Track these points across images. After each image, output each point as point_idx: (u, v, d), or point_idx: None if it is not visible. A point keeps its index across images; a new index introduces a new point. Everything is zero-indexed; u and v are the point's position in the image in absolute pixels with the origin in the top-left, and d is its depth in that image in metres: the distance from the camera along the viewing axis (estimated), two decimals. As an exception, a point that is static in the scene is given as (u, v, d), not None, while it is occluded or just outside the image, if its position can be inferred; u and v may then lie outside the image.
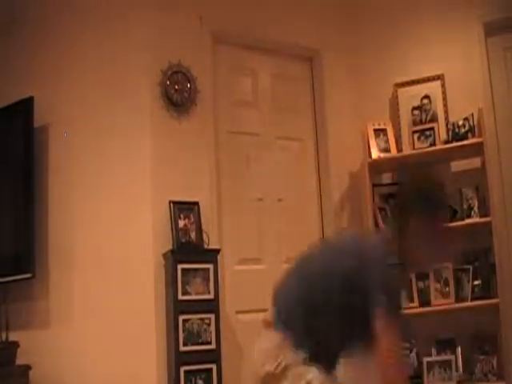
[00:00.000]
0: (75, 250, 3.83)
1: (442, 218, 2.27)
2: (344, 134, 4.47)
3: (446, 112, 4.29)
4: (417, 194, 2.25)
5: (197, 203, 3.76)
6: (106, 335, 3.67)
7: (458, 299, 4.00)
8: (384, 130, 4.34)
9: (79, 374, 3.67)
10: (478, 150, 4.08)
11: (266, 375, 2.16)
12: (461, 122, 4.13)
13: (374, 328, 2.06)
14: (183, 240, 3.64)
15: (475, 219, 4.02)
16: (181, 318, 3.48)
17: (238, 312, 3.97)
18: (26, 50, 4.16)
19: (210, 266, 3.61)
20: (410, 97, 4.39)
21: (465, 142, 4.08)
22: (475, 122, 4.10)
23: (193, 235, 3.68)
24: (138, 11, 3.91)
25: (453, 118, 4.23)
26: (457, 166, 4.27)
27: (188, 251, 3.64)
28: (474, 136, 4.08)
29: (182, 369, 3.44)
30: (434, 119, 4.30)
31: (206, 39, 4.04)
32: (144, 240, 3.69)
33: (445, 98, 4.30)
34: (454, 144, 4.11)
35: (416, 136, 4.24)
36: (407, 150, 4.27)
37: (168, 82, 3.84)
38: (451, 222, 4.06)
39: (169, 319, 3.56)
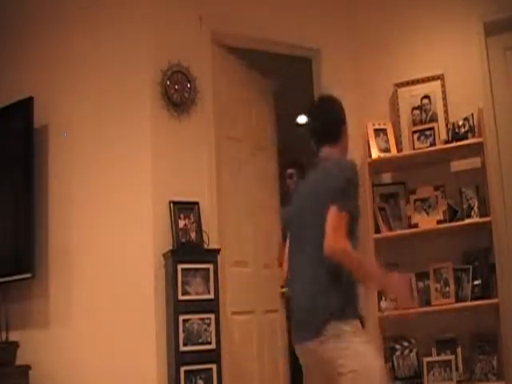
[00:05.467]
0: (75, 250, 3.84)
1: None
2: (344, 133, 4.46)
3: (446, 112, 4.28)
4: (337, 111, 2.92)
5: (197, 203, 3.76)
6: (105, 335, 3.67)
7: (458, 299, 4.00)
8: (384, 130, 4.34)
9: (79, 373, 3.67)
10: (478, 150, 4.08)
11: None
12: (461, 122, 4.13)
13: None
14: (183, 240, 3.65)
15: (475, 219, 4.02)
16: (181, 317, 3.48)
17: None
18: (25, 50, 4.16)
19: (210, 266, 3.61)
20: (410, 97, 4.39)
21: (465, 142, 4.08)
22: (475, 122, 4.10)
23: (193, 235, 3.68)
24: (138, 11, 3.91)
25: (453, 118, 4.22)
26: (457, 165, 4.27)
27: (188, 251, 3.64)
28: (474, 136, 4.08)
29: (182, 369, 3.44)
30: (434, 119, 4.29)
31: (205, 39, 4.04)
32: (144, 240, 3.69)
33: (445, 98, 4.30)
34: (454, 144, 4.11)
35: (416, 136, 4.23)
36: (407, 150, 4.27)
37: (168, 82, 3.84)
38: (451, 221, 4.08)
39: (169, 319, 3.56)
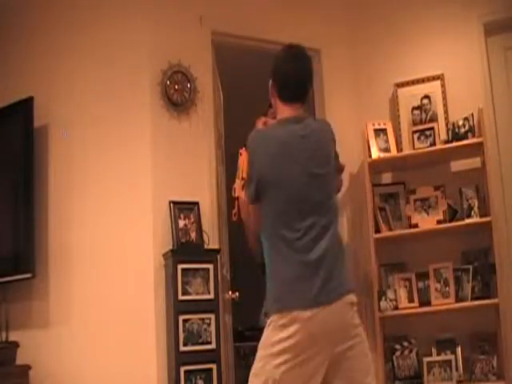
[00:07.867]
0: (75, 250, 3.83)
1: None
2: (344, 133, 4.45)
3: (445, 112, 4.28)
4: None
5: (197, 203, 3.76)
6: (105, 335, 3.67)
7: (458, 299, 4.00)
8: (384, 130, 4.34)
9: (79, 373, 3.67)
10: (478, 149, 4.08)
11: None
12: (461, 122, 4.13)
13: None
14: (183, 240, 3.65)
15: (475, 219, 4.02)
16: (181, 318, 3.48)
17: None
18: (25, 50, 4.15)
19: (210, 266, 3.61)
20: (410, 97, 4.39)
21: (465, 142, 4.08)
22: (475, 122, 4.10)
23: (193, 235, 3.69)
24: (138, 11, 3.91)
25: (453, 117, 4.22)
26: (457, 165, 4.27)
27: (188, 251, 3.64)
28: (474, 136, 4.08)
29: (182, 369, 3.44)
30: (434, 119, 4.29)
31: (206, 39, 4.04)
32: (144, 240, 3.69)
33: (445, 98, 4.30)
34: (454, 144, 4.11)
35: (416, 136, 4.23)
36: (407, 150, 4.27)
37: (168, 82, 3.84)
38: (451, 221, 4.08)
39: (169, 319, 3.56)
